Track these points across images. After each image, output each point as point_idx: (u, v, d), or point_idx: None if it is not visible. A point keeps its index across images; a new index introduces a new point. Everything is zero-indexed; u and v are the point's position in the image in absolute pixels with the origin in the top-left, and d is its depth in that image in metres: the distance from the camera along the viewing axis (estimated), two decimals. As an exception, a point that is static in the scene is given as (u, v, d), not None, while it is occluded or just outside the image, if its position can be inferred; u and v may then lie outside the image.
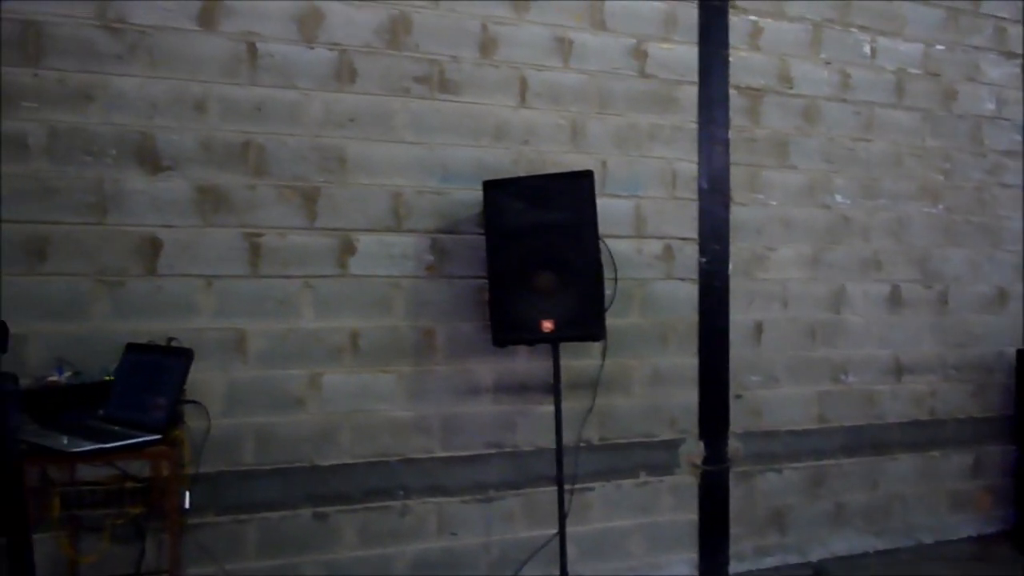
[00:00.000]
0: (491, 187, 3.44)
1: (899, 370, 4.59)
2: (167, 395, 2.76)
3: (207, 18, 3.34)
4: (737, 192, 4.18)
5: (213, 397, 3.28)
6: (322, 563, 3.48)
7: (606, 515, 3.94)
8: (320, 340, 3.47)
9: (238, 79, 3.38)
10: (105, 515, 2.88)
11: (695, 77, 4.10)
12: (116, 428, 2.70)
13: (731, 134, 4.16)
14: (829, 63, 4.41)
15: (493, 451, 3.74)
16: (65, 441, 2.59)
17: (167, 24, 3.28)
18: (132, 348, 3.01)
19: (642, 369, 4.00)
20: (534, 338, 3.41)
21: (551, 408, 3.56)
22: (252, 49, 3.39)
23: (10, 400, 1.30)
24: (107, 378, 2.98)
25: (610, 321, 3.58)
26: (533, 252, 3.37)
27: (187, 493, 3.00)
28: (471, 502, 3.72)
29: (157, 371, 2.85)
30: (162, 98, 3.28)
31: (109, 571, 3.03)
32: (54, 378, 2.93)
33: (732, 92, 4.17)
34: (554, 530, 3.57)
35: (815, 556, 4.37)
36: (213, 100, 3.34)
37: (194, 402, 3.14)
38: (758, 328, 4.25)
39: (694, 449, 4.10)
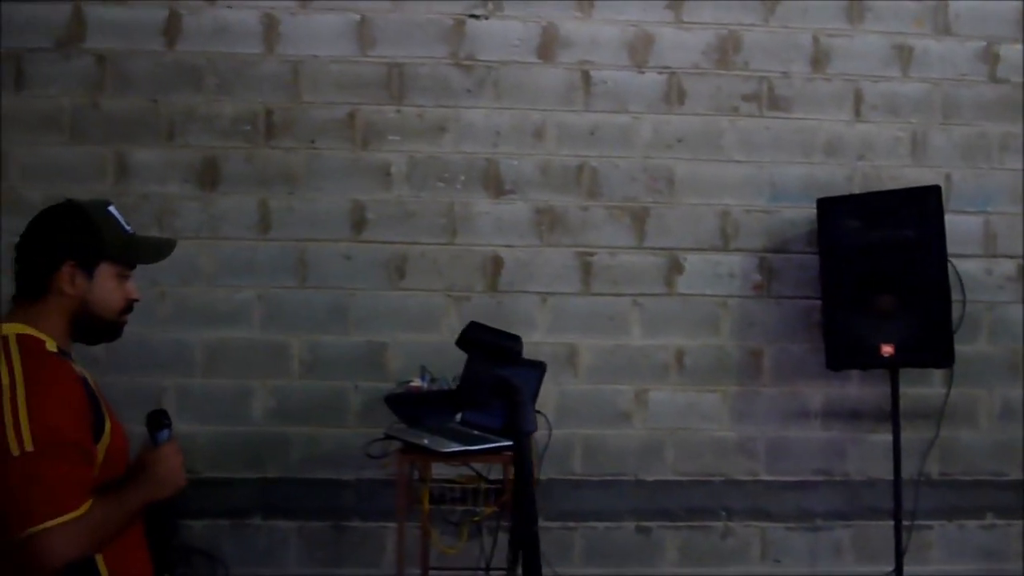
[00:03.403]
0: (826, 205, 3.34)
1: None
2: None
3: (546, 51, 3.55)
4: (1109, 204, 3.71)
5: (547, 407, 3.43)
6: (644, 576, 3.55)
7: (947, 557, 3.64)
8: (647, 357, 3.55)
9: (573, 106, 3.56)
10: (462, 512, 3.12)
11: (1056, 78, 3.71)
12: (474, 432, 2.93)
13: (1101, 140, 3.71)
14: None
15: (821, 478, 3.61)
16: (426, 441, 2.85)
17: (510, 59, 3.54)
18: (486, 359, 3.25)
19: (991, 400, 3.66)
20: (872, 363, 3.27)
21: (885, 437, 3.38)
22: (586, 77, 3.56)
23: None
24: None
25: (955, 347, 3.32)
26: (871, 272, 3.24)
27: (532, 497, 3.18)
28: (796, 529, 3.60)
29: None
30: (505, 127, 3.53)
31: (459, 564, 3.29)
32: (416, 383, 3.24)
33: (1102, 92, 3.72)
34: (887, 567, 3.36)
35: None
36: (550, 126, 3.55)
37: (537, 412, 3.32)
38: None
39: (1052, 492, 3.69)
